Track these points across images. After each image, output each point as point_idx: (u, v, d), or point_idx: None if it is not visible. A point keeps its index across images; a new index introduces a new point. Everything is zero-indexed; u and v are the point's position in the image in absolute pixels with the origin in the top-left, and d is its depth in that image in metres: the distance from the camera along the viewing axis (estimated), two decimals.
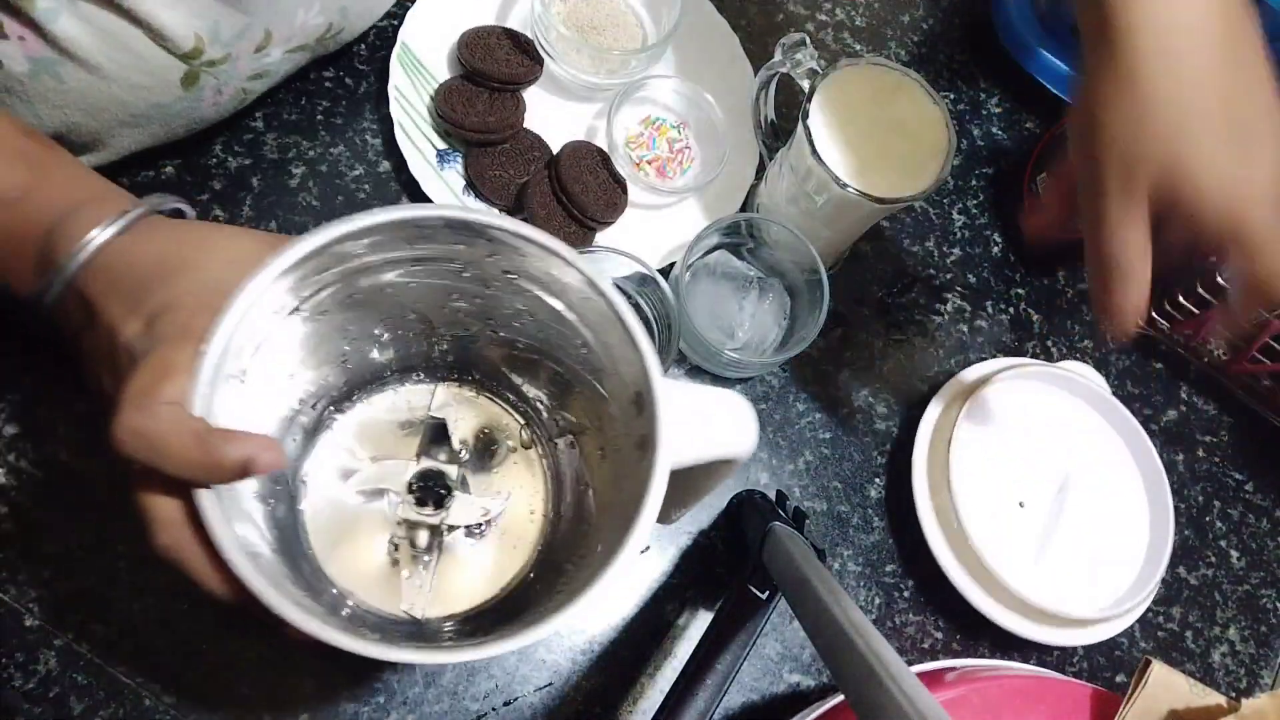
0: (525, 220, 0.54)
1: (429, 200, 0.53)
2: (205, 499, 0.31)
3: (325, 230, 0.35)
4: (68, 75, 0.42)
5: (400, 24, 0.56)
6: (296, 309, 0.38)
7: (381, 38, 0.58)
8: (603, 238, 0.56)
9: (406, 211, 0.36)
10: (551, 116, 0.58)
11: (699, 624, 0.52)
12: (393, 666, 0.48)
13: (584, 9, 0.59)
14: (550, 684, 0.49)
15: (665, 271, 0.56)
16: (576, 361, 0.43)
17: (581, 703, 0.49)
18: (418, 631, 0.43)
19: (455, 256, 0.40)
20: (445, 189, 0.54)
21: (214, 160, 0.53)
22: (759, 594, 0.48)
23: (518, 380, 0.48)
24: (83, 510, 0.45)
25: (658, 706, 0.45)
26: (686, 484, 0.38)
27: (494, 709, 0.48)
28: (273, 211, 0.53)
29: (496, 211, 0.40)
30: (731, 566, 0.50)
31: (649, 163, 0.58)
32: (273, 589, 0.31)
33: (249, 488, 0.37)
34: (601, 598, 0.33)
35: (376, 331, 0.44)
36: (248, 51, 0.46)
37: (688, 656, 0.47)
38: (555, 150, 0.56)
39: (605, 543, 0.38)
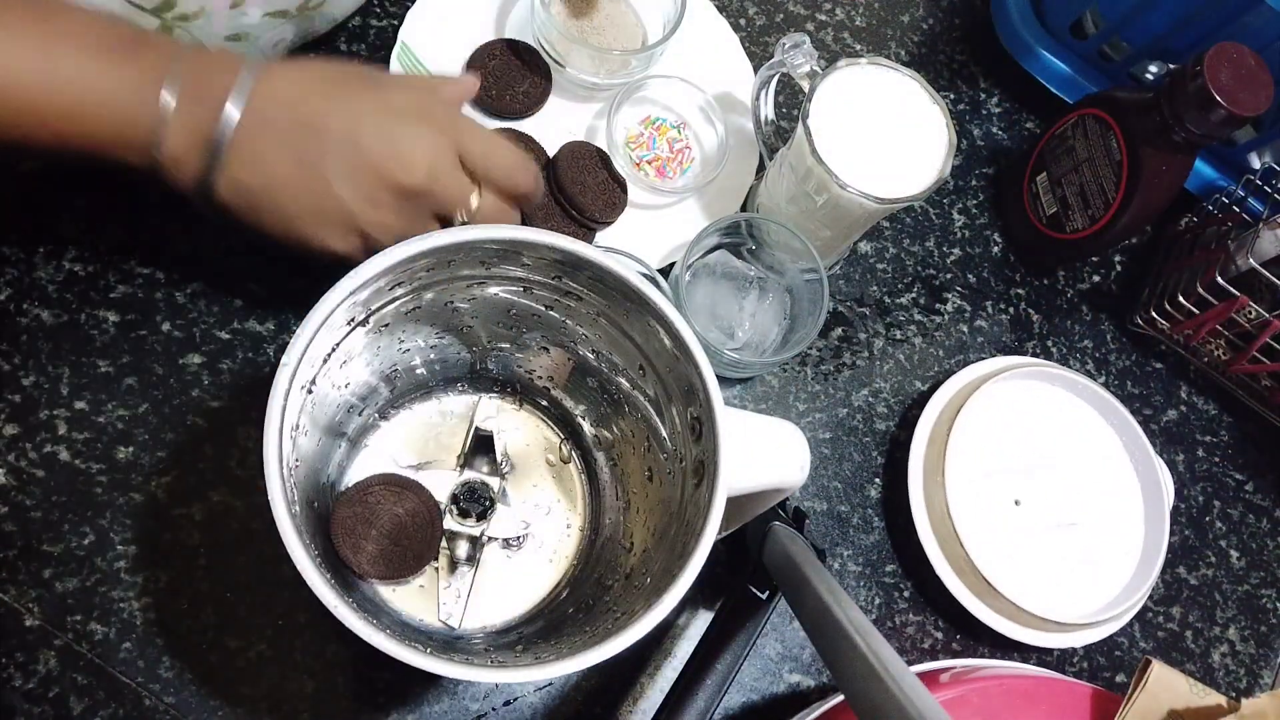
0: (523, 223, 0.54)
1: None
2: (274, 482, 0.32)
3: (415, 244, 0.35)
4: None
5: (400, 24, 0.56)
6: (364, 321, 0.38)
7: (381, 38, 0.58)
8: (603, 238, 0.56)
9: (491, 232, 0.37)
10: (551, 116, 0.58)
11: (699, 624, 0.51)
12: (391, 666, 0.48)
13: (584, 9, 0.59)
14: (550, 684, 0.49)
15: (665, 271, 0.56)
16: (630, 383, 0.43)
17: (581, 703, 0.49)
18: (452, 642, 0.43)
19: (524, 275, 0.40)
20: None
21: None
22: (759, 594, 0.48)
23: (561, 396, 0.48)
24: (83, 510, 0.45)
25: (658, 706, 0.45)
26: (732, 508, 0.39)
27: (494, 709, 0.48)
28: None
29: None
30: (731, 566, 0.50)
31: (649, 163, 0.58)
32: (333, 594, 0.32)
33: (302, 494, 0.37)
34: (661, 616, 0.34)
35: (429, 343, 0.44)
36: (223, 6, 0.45)
37: (688, 656, 0.47)
38: (554, 151, 0.56)
39: (658, 563, 0.39)
